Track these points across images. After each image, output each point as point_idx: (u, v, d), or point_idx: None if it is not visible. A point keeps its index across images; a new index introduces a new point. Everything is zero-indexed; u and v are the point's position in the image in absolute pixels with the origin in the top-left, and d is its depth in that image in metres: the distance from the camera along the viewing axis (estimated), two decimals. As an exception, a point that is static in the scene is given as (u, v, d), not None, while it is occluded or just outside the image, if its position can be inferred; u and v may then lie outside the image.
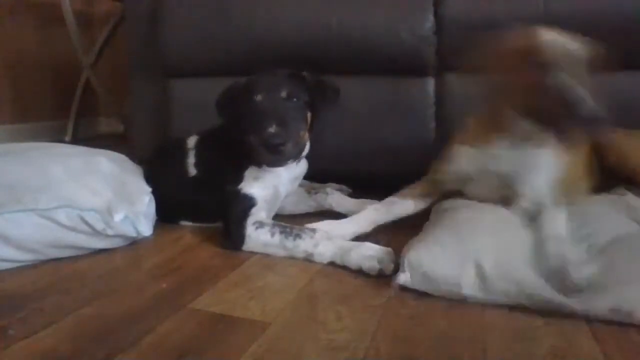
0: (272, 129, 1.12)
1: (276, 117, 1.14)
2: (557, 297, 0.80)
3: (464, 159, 1.17)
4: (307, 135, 1.25)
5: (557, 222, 0.95)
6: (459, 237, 0.94)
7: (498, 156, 1.11)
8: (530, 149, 1.09)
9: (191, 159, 1.33)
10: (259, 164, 1.22)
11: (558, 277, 0.82)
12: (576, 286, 0.79)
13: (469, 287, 0.86)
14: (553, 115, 0.92)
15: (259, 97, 1.18)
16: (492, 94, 1.09)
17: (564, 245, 0.87)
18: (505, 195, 1.13)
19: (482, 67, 1.07)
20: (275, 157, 1.15)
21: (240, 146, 1.23)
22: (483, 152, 1.13)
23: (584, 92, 0.88)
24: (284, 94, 1.19)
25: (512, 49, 1.00)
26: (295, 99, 1.20)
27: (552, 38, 0.97)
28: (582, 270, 0.81)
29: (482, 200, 1.12)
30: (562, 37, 0.98)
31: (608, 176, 1.27)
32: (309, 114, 1.25)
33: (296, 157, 1.22)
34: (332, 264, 1.06)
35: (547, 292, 0.81)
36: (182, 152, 1.35)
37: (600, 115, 0.86)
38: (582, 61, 0.95)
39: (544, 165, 1.10)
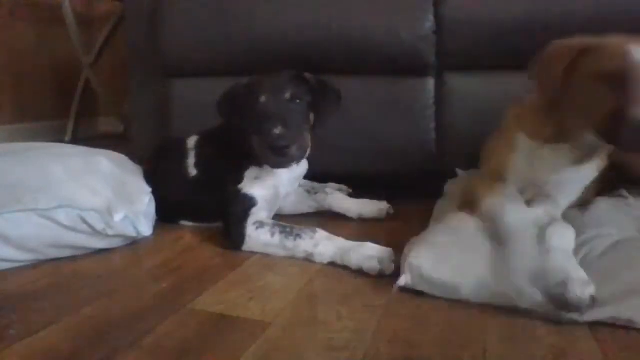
0: (278, 131, 1.11)
1: (281, 119, 1.13)
2: (556, 312, 0.81)
3: (526, 153, 1.08)
4: (309, 136, 1.25)
5: (566, 238, 0.93)
6: (459, 241, 0.94)
7: (551, 164, 1.06)
8: (579, 164, 1.06)
9: (191, 159, 1.33)
10: (261, 164, 1.22)
11: (557, 291, 0.80)
12: (576, 303, 0.79)
13: (468, 291, 0.87)
14: (626, 142, 0.87)
15: (263, 98, 1.18)
16: (566, 103, 0.99)
17: (570, 261, 0.85)
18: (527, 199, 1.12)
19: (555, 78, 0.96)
20: (280, 159, 1.15)
21: (241, 147, 1.23)
22: (539, 151, 1.07)
23: None
24: (287, 95, 1.19)
25: (600, 69, 0.91)
26: (298, 101, 1.20)
27: None
28: (585, 290, 0.79)
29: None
30: None
31: (611, 178, 1.26)
32: (311, 116, 1.25)
33: (300, 158, 1.22)
34: (332, 263, 1.06)
35: (546, 305, 0.81)
36: (182, 152, 1.35)
37: None
38: None
39: (579, 185, 1.09)
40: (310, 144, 1.24)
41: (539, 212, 1.08)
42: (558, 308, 0.79)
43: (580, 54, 0.94)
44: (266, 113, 1.16)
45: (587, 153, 1.04)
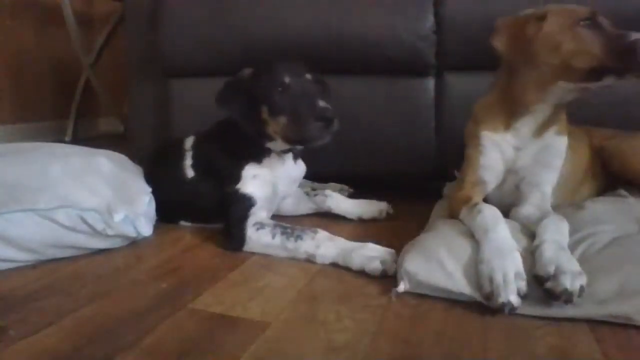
0: (322, 104, 1.13)
1: (318, 94, 1.17)
2: (553, 309, 0.81)
3: (495, 149, 1.12)
4: None
5: (559, 230, 0.94)
6: (452, 247, 0.95)
7: (519, 146, 1.11)
8: (545, 135, 1.10)
9: (188, 161, 1.33)
10: (293, 144, 1.21)
11: (550, 282, 0.81)
12: (566, 295, 0.79)
13: (465, 291, 0.87)
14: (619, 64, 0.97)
15: (287, 79, 1.18)
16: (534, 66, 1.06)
17: (561, 253, 0.87)
18: (514, 195, 1.14)
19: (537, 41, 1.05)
20: (325, 131, 1.14)
21: (240, 142, 1.23)
22: (505, 139, 1.11)
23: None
24: (308, 76, 1.21)
25: (575, 18, 1.02)
26: (315, 82, 1.22)
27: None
28: (575, 281, 0.80)
29: (495, 203, 1.08)
30: None
31: (611, 180, 1.27)
32: None
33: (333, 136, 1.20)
34: (333, 264, 1.06)
35: (542, 304, 0.82)
36: (180, 153, 1.34)
37: None
38: None
39: (554, 161, 1.11)
40: None
41: (530, 209, 1.09)
42: (550, 299, 0.81)
43: (538, 19, 1.06)
44: (298, 91, 1.17)
45: (546, 120, 1.09)
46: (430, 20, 1.50)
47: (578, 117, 1.31)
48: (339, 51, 1.54)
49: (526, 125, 1.10)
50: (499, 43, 1.08)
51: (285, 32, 1.56)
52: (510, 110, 1.11)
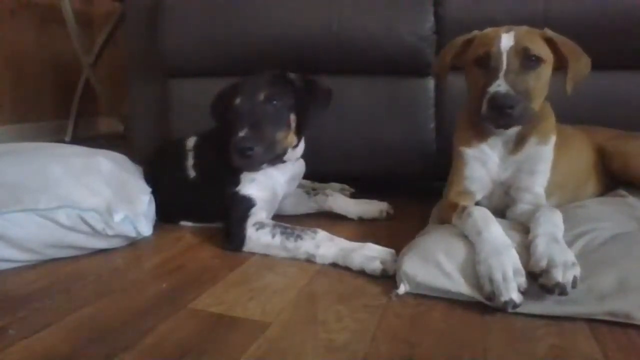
0: (242, 133, 1.13)
1: (248, 121, 1.16)
2: (554, 306, 0.82)
3: (477, 162, 1.12)
4: (290, 137, 1.24)
5: (552, 221, 0.94)
6: (449, 247, 0.95)
7: (495, 159, 1.10)
8: (524, 149, 1.09)
9: (190, 161, 1.33)
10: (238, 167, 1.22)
11: (542, 277, 0.82)
12: (559, 288, 0.80)
13: (463, 291, 0.88)
14: (485, 116, 0.99)
15: (237, 101, 1.20)
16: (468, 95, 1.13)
17: (554, 245, 0.87)
18: (505, 201, 1.14)
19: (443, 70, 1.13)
20: (245, 161, 1.15)
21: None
22: (482, 153, 1.11)
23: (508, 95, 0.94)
24: (261, 96, 1.20)
25: (475, 54, 1.04)
26: (275, 101, 1.20)
27: (507, 42, 0.99)
28: (567, 272, 0.80)
29: (488, 207, 1.07)
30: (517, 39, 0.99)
31: (612, 180, 1.26)
32: (292, 116, 1.25)
33: (271, 160, 1.22)
34: (333, 264, 1.06)
35: (542, 302, 0.83)
36: (182, 153, 1.35)
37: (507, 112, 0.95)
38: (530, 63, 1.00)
39: (540, 167, 1.10)
40: (290, 145, 1.24)
41: (524, 207, 1.09)
42: (545, 294, 0.81)
43: (464, 44, 1.09)
44: (237, 115, 1.18)
45: (518, 135, 1.08)
46: (430, 20, 1.50)
47: (578, 117, 1.31)
48: (339, 51, 1.54)
49: (497, 142, 1.10)
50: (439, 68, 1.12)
51: (285, 32, 1.56)
52: (478, 129, 1.10)
